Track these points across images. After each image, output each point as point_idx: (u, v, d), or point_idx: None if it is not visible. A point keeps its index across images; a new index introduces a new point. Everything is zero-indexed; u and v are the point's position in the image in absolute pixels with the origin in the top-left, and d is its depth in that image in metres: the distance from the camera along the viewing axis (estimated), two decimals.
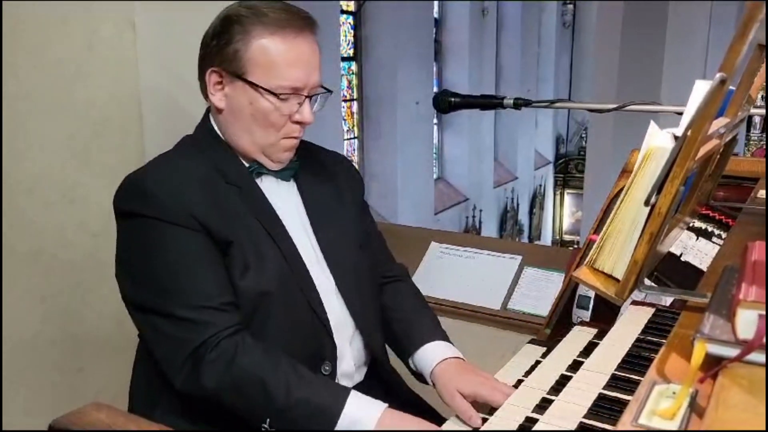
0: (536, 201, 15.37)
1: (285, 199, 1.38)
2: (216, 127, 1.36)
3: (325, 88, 1.35)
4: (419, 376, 1.44)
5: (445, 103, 1.92)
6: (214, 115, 1.36)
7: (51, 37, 1.79)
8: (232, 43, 1.26)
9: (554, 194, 16.36)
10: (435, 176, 11.55)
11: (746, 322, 0.72)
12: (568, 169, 16.10)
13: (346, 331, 1.40)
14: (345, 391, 1.21)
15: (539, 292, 2.24)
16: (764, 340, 0.70)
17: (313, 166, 1.45)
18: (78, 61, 1.85)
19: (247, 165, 1.35)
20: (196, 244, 1.23)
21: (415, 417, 1.22)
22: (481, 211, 12.48)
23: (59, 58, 1.81)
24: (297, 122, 1.31)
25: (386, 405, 1.21)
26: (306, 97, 1.30)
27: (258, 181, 1.35)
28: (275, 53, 1.25)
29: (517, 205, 14.35)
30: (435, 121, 11.22)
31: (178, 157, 1.35)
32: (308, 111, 1.31)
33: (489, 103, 1.93)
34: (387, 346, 1.53)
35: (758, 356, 0.71)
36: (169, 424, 0.90)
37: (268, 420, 1.17)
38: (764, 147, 11.73)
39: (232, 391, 1.18)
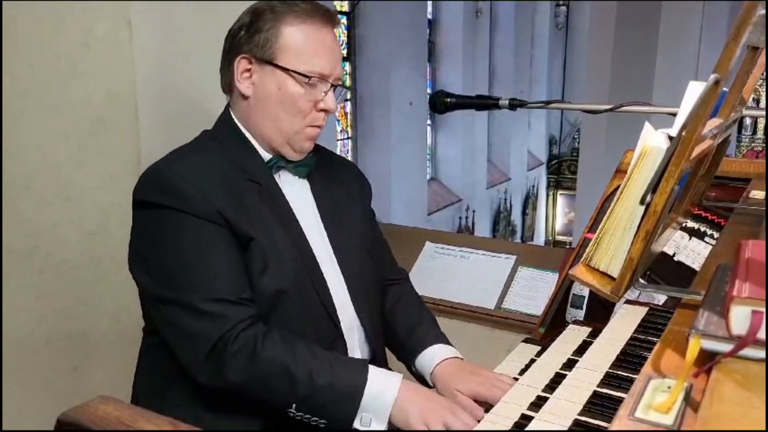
0: (529, 202, 15.40)
1: (300, 197, 1.41)
2: (237, 120, 1.38)
3: (343, 85, 1.40)
4: (421, 379, 1.46)
5: (441, 103, 1.93)
6: (238, 106, 1.38)
7: (47, 36, 1.79)
8: (263, 30, 1.30)
9: (547, 195, 16.40)
10: (428, 177, 11.55)
11: (740, 318, 0.73)
12: (561, 170, 16.15)
13: (355, 332, 1.42)
14: (364, 369, 1.23)
15: (533, 291, 2.25)
16: (759, 335, 0.71)
17: (325, 168, 1.48)
18: (74, 60, 1.85)
19: (266, 160, 1.37)
20: (219, 237, 1.24)
21: (428, 390, 1.28)
22: (474, 211, 12.50)
23: (55, 56, 1.81)
24: (322, 110, 1.35)
25: (401, 376, 1.25)
26: (332, 86, 1.34)
27: (275, 176, 1.38)
28: (305, 39, 1.30)
29: (510, 205, 14.37)
30: (428, 121, 11.22)
31: (199, 151, 1.36)
32: (333, 99, 1.35)
33: (485, 103, 1.95)
34: (389, 348, 1.55)
35: (751, 351, 0.72)
36: (178, 418, 0.91)
37: (294, 405, 1.19)
38: (755, 149, 11.80)
39: (258, 382, 1.20)
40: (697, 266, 1.52)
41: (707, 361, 0.74)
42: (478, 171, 12.83)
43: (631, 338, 1.31)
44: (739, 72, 1.18)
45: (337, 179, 1.50)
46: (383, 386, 1.22)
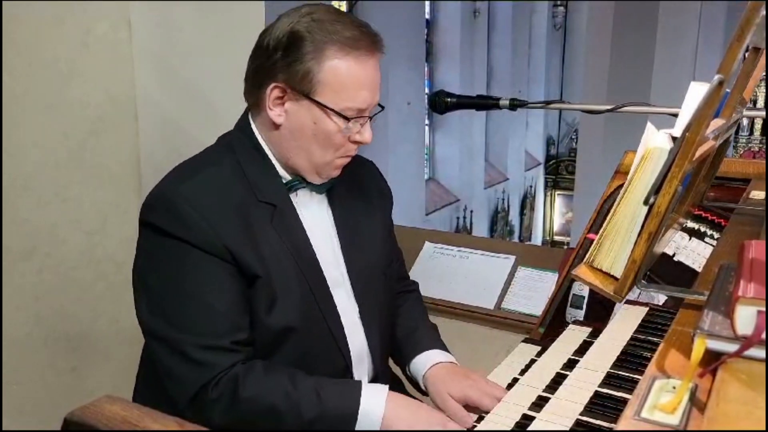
0: (527, 202, 15.42)
1: (317, 216, 1.36)
2: (258, 133, 1.30)
3: (380, 105, 1.32)
4: (415, 384, 1.45)
5: (442, 103, 1.93)
6: (264, 127, 1.30)
7: (46, 36, 1.78)
8: (303, 61, 1.20)
9: (545, 195, 16.42)
10: (426, 177, 11.55)
11: (745, 318, 0.73)
12: (559, 170, 16.17)
13: (364, 358, 1.40)
14: (355, 393, 1.20)
15: (533, 291, 2.25)
16: (763, 335, 0.71)
17: (346, 176, 1.39)
18: (73, 60, 1.85)
19: (284, 180, 1.31)
20: (222, 274, 1.19)
21: (415, 403, 1.24)
22: (471, 211, 12.51)
23: (55, 56, 1.81)
24: (356, 142, 1.29)
25: (387, 387, 1.22)
26: (368, 117, 1.28)
27: (292, 195, 1.32)
28: (347, 75, 1.21)
29: (508, 205, 14.39)
30: (426, 121, 11.23)
31: (210, 165, 1.28)
32: (370, 132, 1.29)
33: (485, 103, 1.95)
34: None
35: (757, 351, 0.72)
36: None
37: None
38: (752, 149, 11.83)
39: (244, 423, 1.17)
40: (697, 266, 1.52)
41: (712, 361, 0.74)
42: (476, 171, 12.85)
43: (632, 338, 1.31)
44: (740, 74, 1.18)
45: (357, 190, 1.44)
46: (369, 406, 1.19)
